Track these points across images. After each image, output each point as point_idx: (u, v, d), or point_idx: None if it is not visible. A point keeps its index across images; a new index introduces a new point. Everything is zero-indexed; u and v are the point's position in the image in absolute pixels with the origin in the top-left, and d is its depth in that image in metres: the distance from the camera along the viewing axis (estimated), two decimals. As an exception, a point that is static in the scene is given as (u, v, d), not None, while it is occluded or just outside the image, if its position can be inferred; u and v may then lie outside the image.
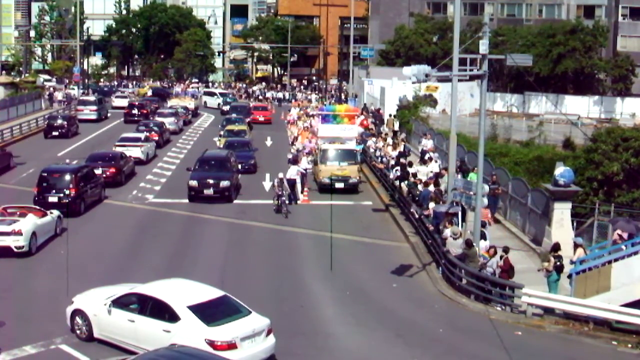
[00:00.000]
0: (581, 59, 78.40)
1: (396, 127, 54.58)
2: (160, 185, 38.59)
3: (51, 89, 79.57)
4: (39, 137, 54.82)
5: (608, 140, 35.58)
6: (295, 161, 39.20)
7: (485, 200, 27.85)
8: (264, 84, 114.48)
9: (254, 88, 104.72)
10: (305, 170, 37.84)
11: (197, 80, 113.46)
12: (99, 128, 59.67)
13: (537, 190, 28.97)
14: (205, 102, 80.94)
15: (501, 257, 22.33)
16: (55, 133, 53.65)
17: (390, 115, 57.06)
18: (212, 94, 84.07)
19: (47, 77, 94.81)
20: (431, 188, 30.73)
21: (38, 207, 28.59)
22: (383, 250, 28.39)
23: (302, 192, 35.64)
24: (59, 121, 54.86)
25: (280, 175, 33.45)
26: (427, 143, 41.28)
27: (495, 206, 31.04)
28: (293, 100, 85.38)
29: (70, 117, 58.37)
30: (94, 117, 63.14)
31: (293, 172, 35.72)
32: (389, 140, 45.03)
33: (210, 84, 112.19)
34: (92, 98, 69.52)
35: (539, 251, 26.36)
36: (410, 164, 36.55)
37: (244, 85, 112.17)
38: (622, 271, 21.28)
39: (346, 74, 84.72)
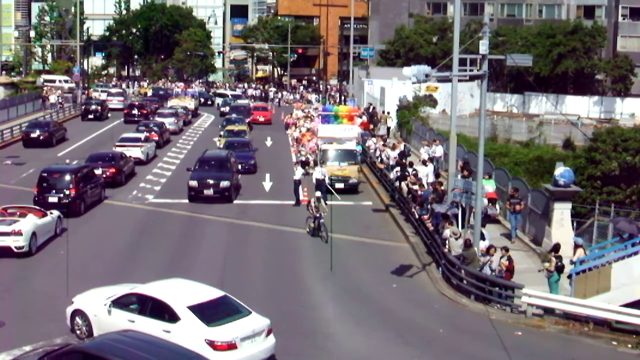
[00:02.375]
0: (581, 59, 78.44)
1: (389, 124, 54.60)
2: (160, 186, 38.59)
3: (46, 91, 78.88)
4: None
5: (608, 140, 35.64)
6: (305, 164, 38.90)
7: (485, 201, 27.88)
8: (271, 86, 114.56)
9: (273, 89, 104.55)
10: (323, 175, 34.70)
11: (202, 81, 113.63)
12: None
13: (537, 191, 28.98)
14: (218, 104, 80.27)
15: (503, 257, 22.30)
16: (90, 116, 64.41)
17: (383, 112, 57.19)
18: (224, 96, 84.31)
19: (65, 77, 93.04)
20: (417, 187, 30.70)
21: (38, 207, 28.59)
22: (383, 250, 28.39)
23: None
24: (94, 106, 66.15)
25: (318, 194, 29.91)
26: (437, 150, 39.64)
27: (517, 224, 28.61)
28: (296, 102, 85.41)
29: (103, 102, 69.12)
30: (121, 106, 71.21)
31: (318, 174, 33.97)
32: (389, 142, 45.01)
33: (211, 84, 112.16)
34: (119, 90, 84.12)
35: (539, 251, 26.37)
36: (411, 164, 36.53)
37: (254, 85, 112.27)
38: (622, 271, 21.30)
39: (346, 74, 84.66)
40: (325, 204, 30.43)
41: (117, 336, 14.75)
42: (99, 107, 66.19)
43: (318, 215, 28.61)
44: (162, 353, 14.13)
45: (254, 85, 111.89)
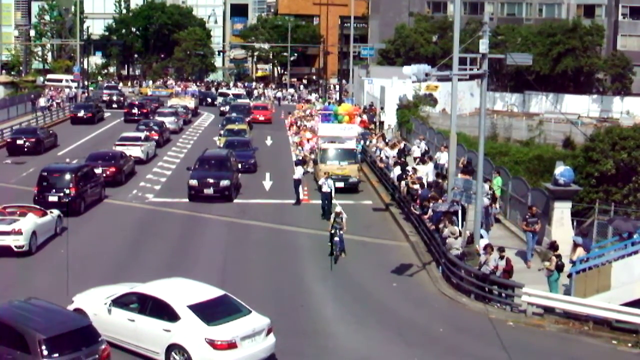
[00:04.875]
0: (581, 58, 78.45)
1: (382, 119, 54.62)
2: (161, 185, 38.59)
3: (35, 95, 78.10)
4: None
5: (606, 139, 35.63)
6: (302, 162, 38.86)
7: (486, 200, 27.81)
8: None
9: (290, 91, 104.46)
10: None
11: (208, 81, 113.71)
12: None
13: (537, 190, 28.94)
14: (218, 104, 79.94)
15: (501, 257, 22.30)
16: (114, 105, 73.47)
17: (374, 107, 57.24)
18: (225, 95, 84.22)
19: (69, 77, 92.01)
20: (417, 187, 30.68)
21: (38, 207, 28.56)
22: (383, 249, 28.39)
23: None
24: (115, 97, 76.85)
25: (338, 209, 27.84)
26: (442, 156, 37.13)
27: (534, 245, 25.99)
28: (297, 103, 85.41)
29: (124, 95, 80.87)
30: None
31: (326, 187, 32.74)
32: (391, 142, 44.98)
33: (215, 84, 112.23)
34: (114, 84, 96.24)
35: (539, 250, 26.36)
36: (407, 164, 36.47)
37: (239, 84, 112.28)
38: (622, 270, 21.30)
39: (346, 74, 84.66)
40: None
41: (20, 303, 16.49)
42: (122, 98, 76.57)
43: (333, 232, 26.60)
44: (54, 317, 15.91)
45: (239, 84, 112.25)
